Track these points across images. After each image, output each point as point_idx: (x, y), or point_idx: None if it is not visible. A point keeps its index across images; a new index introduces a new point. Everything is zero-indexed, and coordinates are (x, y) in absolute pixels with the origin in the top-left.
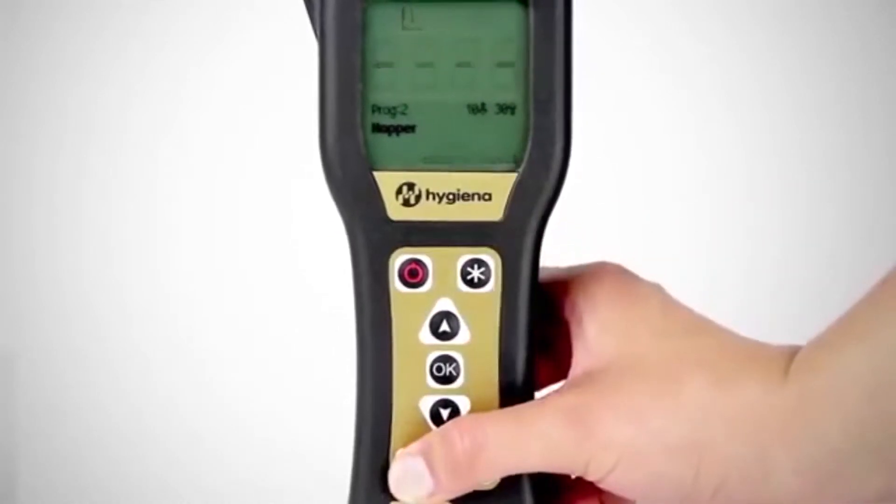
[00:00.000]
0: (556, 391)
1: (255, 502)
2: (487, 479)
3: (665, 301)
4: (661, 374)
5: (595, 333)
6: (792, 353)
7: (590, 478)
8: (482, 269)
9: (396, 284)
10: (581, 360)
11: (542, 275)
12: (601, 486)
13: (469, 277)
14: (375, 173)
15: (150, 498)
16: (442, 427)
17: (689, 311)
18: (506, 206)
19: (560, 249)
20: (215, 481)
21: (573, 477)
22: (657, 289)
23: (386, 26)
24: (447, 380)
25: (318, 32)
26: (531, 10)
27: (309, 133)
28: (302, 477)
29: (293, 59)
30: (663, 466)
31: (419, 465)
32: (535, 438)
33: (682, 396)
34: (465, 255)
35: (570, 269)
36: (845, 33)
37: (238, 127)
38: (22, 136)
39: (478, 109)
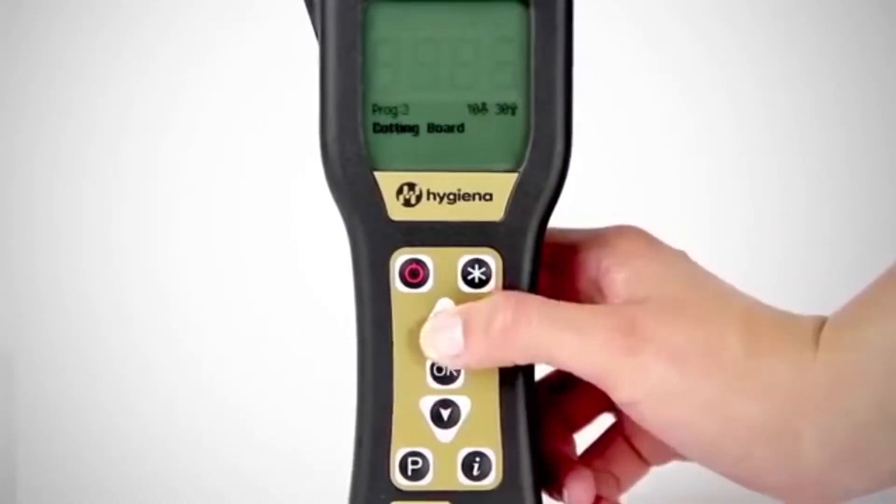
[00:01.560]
0: (605, 305)
1: (255, 502)
2: (516, 358)
3: (693, 262)
4: (700, 319)
5: (625, 281)
6: (819, 323)
7: (615, 397)
8: (483, 269)
9: (397, 284)
10: (614, 302)
11: (559, 235)
12: (625, 410)
13: (470, 277)
14: (376, 173)
15: (150, 498)
16: (489, 296)
17: (715, 276)
18: (506, 206)
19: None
20: (215, 481)
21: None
22: (683, 252)
23: (386, 26)
24: (447, 380)
25: (318, 33)
26: (532, 10)
27: (310, 133)
28: (302, 477)
29: (293, 59)
30: (692, 416)
31: (455, 321)
32: (577, 332)
33: (720, 349)
34: (465, 255)
35: (590, 230)
36: (845, 33)
37: (238, 127)
38: (22, 136)
39: (478, 109)
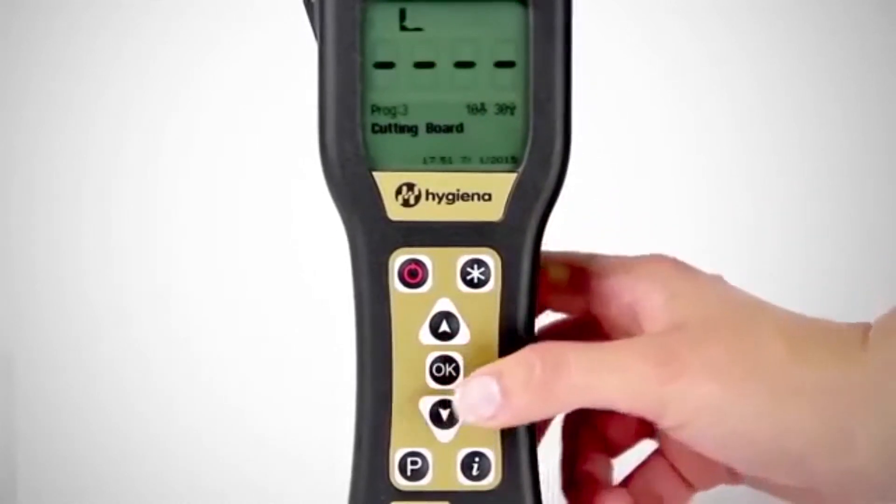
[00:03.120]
0: (637, 337)
1: (255, 502)
2: (560, 408)
3: (728, 284)
4: (738, 335)
5: (662, 307)
6: (865, 328)
7: (664, 424)
8: (482, 270)
9: (396, 285)
10: (652, 327)
11: (589, 260)
12: (674, 435)
13: (469, 278)
14: (375, 174)
15: (150, 498)
16: (518, 351)
17: (753, 295)
18: (505, 206)
19: (561, 249)
20: (215, 481)
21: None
22: (719, 276)
23: (385, 26)
24: (447, 380)
25: (317, 33)
26: (531, 10)
27: (309, 133)
28: (302, 477)
29: (293, 59)
30: (742, 426)
31: (491, 385)
32: (616, 371)
33: (762, 360)
34: (464, 255)
35: (622, 257)
36: (845, 32)
37: (238, 127)
38: (22, 136)
39: (477, 109)
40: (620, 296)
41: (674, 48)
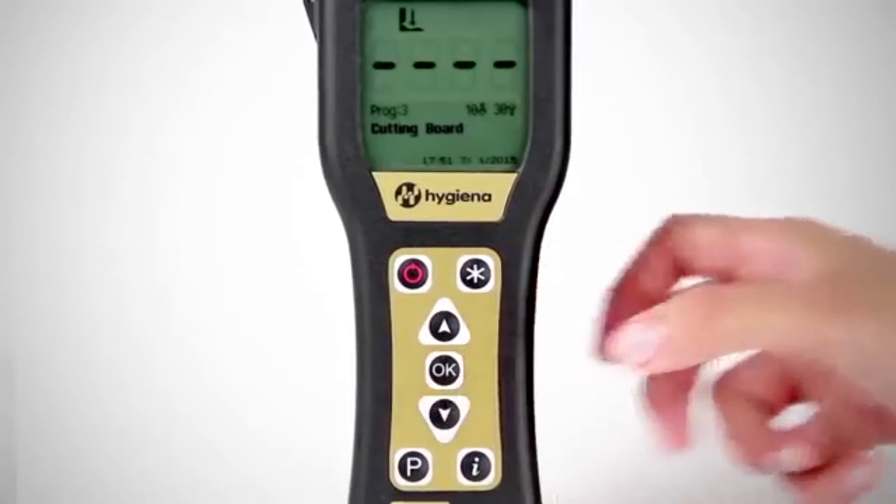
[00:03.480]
0: (790, 281)
1: (255, 502)
2: (720, 349)
3: (874, 242)
4: (892, 278)
5: (809, 260)
6: None
7: (825, 364)
8: (482, 270)
9: (396, 285)
10: (798, 275)
11: (728, 225)
12: (843, 371)
13: (469, 278)
14: (375, 174)
15: (150, 498)
16: (676, 296)
17: None
18: (505, 206)
19: (561, 249)
20: (215, 481)
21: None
22: (864, 236)
23: (385, 26)
24: (447, 380)
25: (317, 33)
26: (531, 11)
27: (309, 133)
28: (302, 477)
29: (293, 59)
30: None
31: (649, 329)
32: (776, 310)
33: None
34: (464, 255)
35: (762, 220)
36: (846, 32)
37: (237, 126)
38: (22, 136)
39: (477, 110)
40: (764, 256)
41: (674, 48)
